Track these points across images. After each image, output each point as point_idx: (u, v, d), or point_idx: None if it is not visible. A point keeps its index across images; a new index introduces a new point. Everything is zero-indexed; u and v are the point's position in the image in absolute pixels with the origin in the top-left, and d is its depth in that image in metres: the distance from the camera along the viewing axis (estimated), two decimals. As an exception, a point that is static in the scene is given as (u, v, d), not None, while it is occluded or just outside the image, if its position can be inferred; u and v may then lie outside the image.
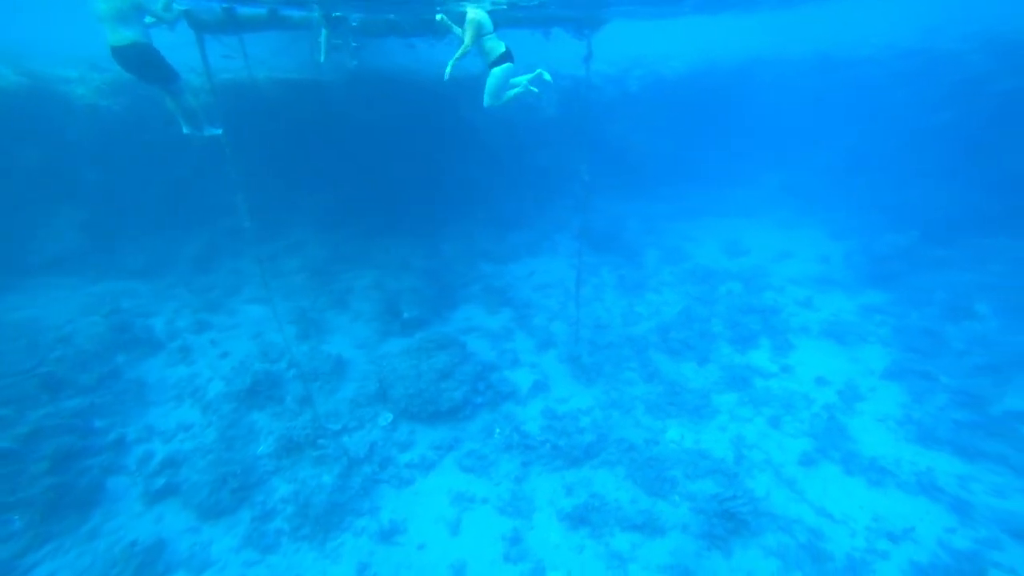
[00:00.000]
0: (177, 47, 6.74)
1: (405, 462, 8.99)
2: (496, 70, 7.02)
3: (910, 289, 13.22)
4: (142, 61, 5.83)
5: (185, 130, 6.96)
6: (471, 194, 15.76)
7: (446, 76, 7.16)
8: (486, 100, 7.26)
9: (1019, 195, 12.99)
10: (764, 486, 8.38)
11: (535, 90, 7.67)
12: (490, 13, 7.26)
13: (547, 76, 7.65)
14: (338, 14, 8.99)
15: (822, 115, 16.79)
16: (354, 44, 10.00)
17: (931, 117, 13.54)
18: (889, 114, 14.69)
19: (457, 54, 7.13)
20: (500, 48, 6.99)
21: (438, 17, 7.17)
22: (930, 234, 14.02)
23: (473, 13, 6.86)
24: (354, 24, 9.46)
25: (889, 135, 14.91)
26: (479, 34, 6.88)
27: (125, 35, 5.60)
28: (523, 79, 7.60)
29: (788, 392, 10.62)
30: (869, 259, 14.25)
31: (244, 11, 7.76)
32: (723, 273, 14.61)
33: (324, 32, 8.97)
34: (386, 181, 14.08)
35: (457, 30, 7.05)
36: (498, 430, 9.69)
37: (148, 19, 5.81)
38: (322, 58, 9.32)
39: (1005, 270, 12.83)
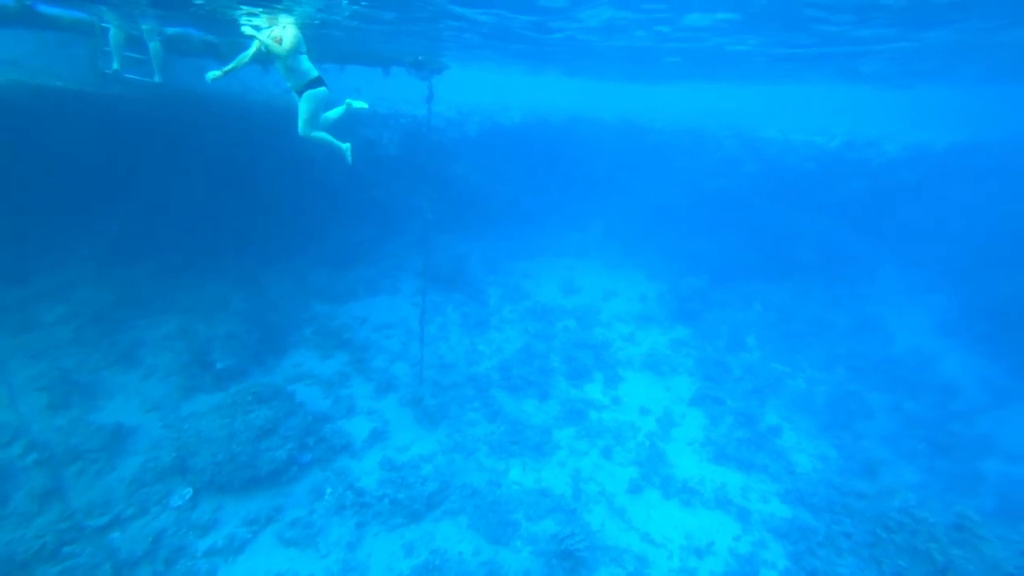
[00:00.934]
0: None
1: (205, 549, 7.25)
2: (311, 92, 6.49)
3: (706, 325, 15.85)
4: None
5: None
6: (305, 229, 14.40)
7: (210, 78, 6.31)
8: (302, 127, 6.62)
9: (767, 250, 16.92)
10: (599, 518, 8.77)
11: (362, 106, 7.39)
12: (332, 47, 6.88)
13: (358, 104, 7.42)
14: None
15: (633, 172, 19.93)
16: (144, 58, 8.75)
17: (708, 183, 17.08)
18: (681, 177, 18.16)
19: (242, 59, 6.47)
20: (314, 72, 6.54)
21: (245, 29, 6.31)
22: (716, 279, 17.20)
23: (293, 27, 6.26)
24: (160, 38, 8.37)
25: (683, 194, 18.31)
26: (297, 50, 6.27)
27: None
28: (335, 112, 7.23)
29: (618, 423, 11.56)
30: (676, 298, 16.77)
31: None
32: (560, 310, 15.68)
33: (113, 37, 7.71)
34: (201, 210, 11.96)
35: (268, 42, 6.21)
36: (329, 490, 8.55)
37: None
38: (114, 67, 8.31)
39: (762, 309, 16.33)
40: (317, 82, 6.54)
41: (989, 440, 11.98)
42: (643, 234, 19.98)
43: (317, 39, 9.46)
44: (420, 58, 8.10)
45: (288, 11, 8.55)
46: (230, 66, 6.46)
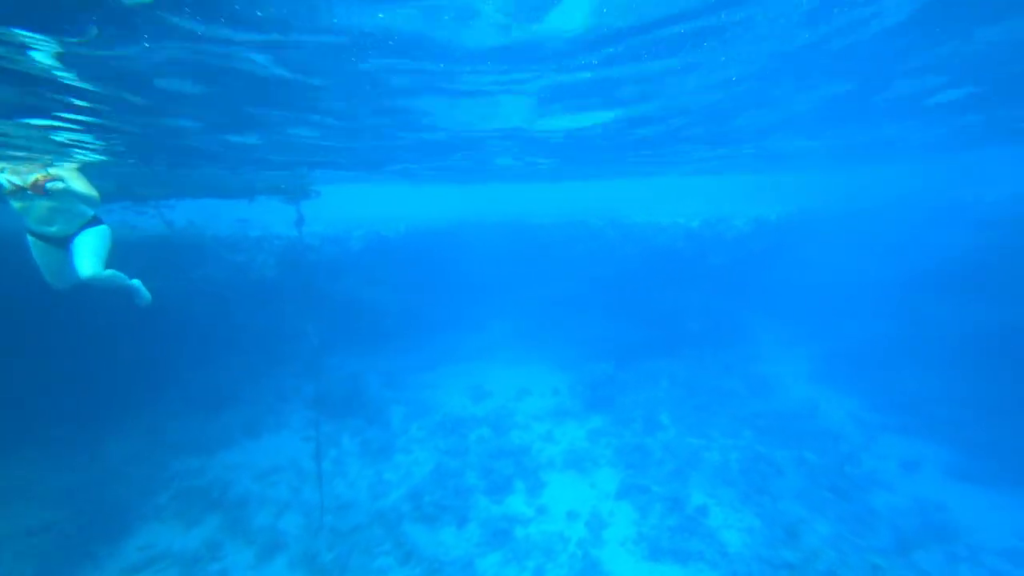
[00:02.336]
0: None
1: None
2: (98, 229, 6.22)
3: (620, 409, 16.27)
4: None
5: None
6: (161, 372, 12.85)
7: None
8: (87, 269, 5.93)
9: (660, 327, 18.52)
10: (536, 664, 7.84)
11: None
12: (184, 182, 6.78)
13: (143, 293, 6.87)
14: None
15: (526, 268, 21.28)
16: None
17: (595, 270, 18.74)
18: (570, 267, 19.77)
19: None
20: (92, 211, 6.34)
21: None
22: (621, 361, 18.11)
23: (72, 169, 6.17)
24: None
25: (575, 283, 19.80)
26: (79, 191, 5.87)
27: None
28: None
29: (547, 536, 10.94)
30: (587, 387, 17.20)
31: None
32: (471, 420, 15.21)
33: None
34: None
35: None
36: None
37: None
38: None
39: (669, 385, 17.32)
40: (96, 220, 6.31)
41: (873, 475, 13.21)
42: (545, 326, 20.83)
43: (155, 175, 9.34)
44: (283, 187, 8.29)
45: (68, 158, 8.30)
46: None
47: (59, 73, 5.55)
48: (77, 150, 8.50)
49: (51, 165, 7.37)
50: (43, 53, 4.98)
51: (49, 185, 5.49)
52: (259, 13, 4.56)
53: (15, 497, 9.22)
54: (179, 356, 12.91)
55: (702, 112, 10.35)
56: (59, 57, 5.12)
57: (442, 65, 6.37)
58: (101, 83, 6.01)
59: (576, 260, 19.55)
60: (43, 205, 5.82)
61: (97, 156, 9.20)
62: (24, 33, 4.46)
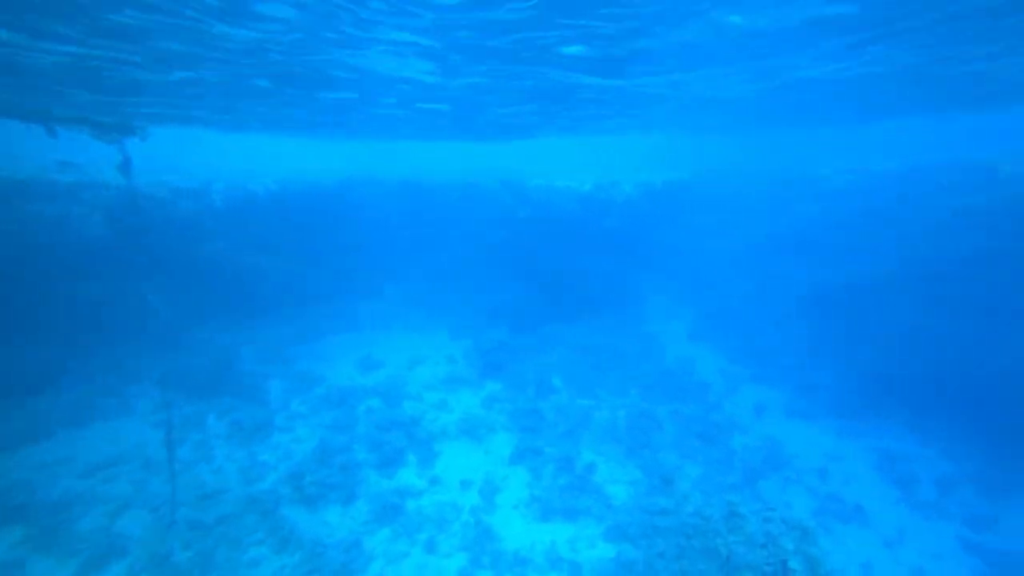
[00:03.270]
0: None
1: None
2: None
3: (514, 375, 16.51)
4: None
5: None
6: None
7: None
8: None
9: (557, 291, 19.00)
10: (426, 638, 7.75)
11: None
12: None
13: None
14: None
15: (421, 231, 20.37)
16: None
17: (492, 234, 18.53)
18: (466, 231, 19.28)
19: None
20: None
21: None
22: (517, 327, 18.32)
23: None
24: None
25: (471, 247, 19.42)
26: None
27: None
28: None
29: (439, 506, 10.83)
30: (482, 354, 17.17)
31: None
32: (361, 391, 14.43)
33: None
34: None
35: None
36: None
37: None
38: None
39: (563, 350, 17.93)
40: None
41: (732, 420, 15.06)
42: (440, 293, 20.32)
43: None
44: (95, 119, 6.62)
45: None
46: None
47: None
48: None
49: None
50: None
51: None
52: None
53: None
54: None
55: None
56: None
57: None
58: None
59: (473, 223, 19.08)
60: None
61: None
62: None
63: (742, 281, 21.61)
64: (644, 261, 22.23)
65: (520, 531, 10.36)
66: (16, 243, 10.74)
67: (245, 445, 11.71)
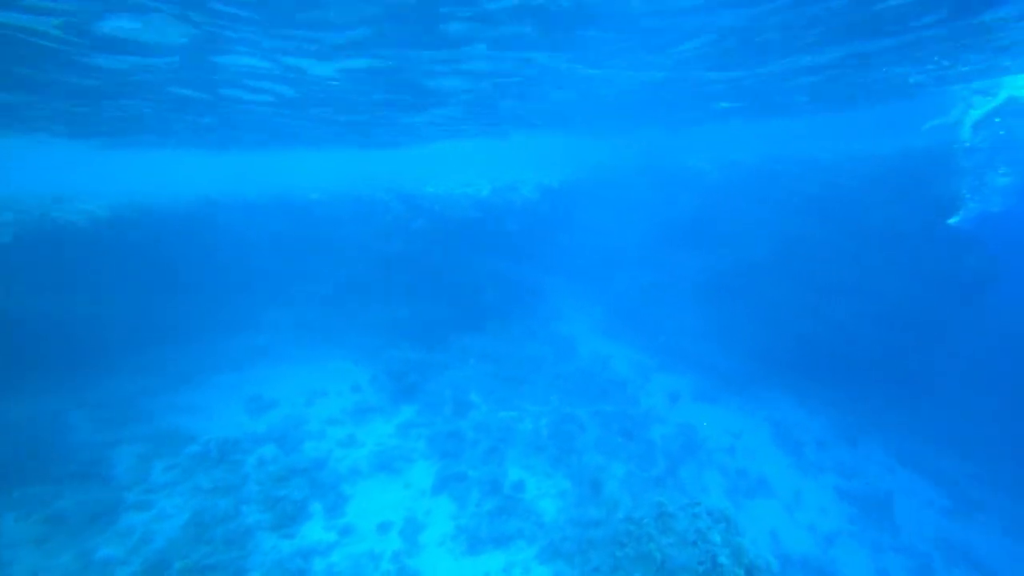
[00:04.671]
0: None
1: None
2: None
3: (429, 396, 15.53)
4: None
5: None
6: None
7: None
8: None
9: (462, 301, 18.34)
10: None
11: None
12: None
13: None
14: None
15: (305, 251, 18.49)
16: None
17: (386, 247, 17.35)
18: (358, 244, 17.84)
19: None
20: None
21: None
22: (425, 343, 17.33)
23: None
24: None
25: (365, 263, 18.02)
26: None
27: None
28: None
29: (354, 560, 9.66)
30: (391, 377, 15.96)
31: None
32: (249, 439, 12.56)
33: None
34: None
35: None
36: None
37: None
38: None
39: (476, 361, 17.31)
40: None
41: (650, 411, 15.56)
42: (336, 316, 18.66)
43: None
44: None
45: None
46: None
47: None
48: None
49: None
50: None
51: None
52: None
53: None
54: None
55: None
56: None
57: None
58: None
59: (363, 238, 17.66)
60: None
61: None
62: None
63: (642, 274, 22.61)
64: (549, 263, 22.38)
65: (449, 570, 9.55)
66: None
67: (73, 544, 9.28)
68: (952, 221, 14.36)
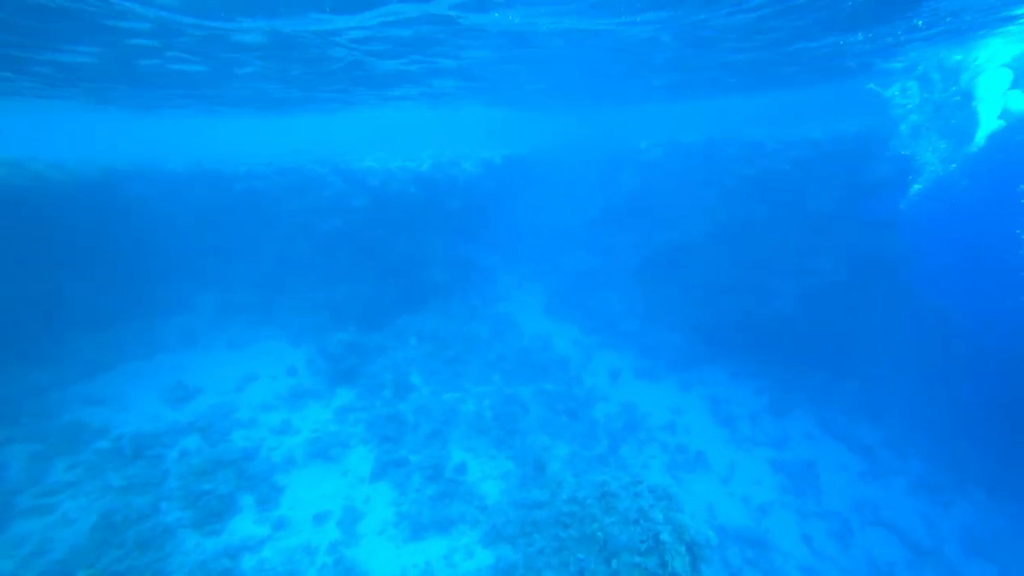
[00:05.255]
0: None
1: None
2: None
3: (368, 378, 14.91)
4: None
5: None
6: None
7: None
8: None
9: (403, 280, 17.65)
10: None
11: None
12: None
13: None
14: None
15: (233, 228, 16.99)
16: None
17: (323, 224, 16.26)
18: (293, 222, 16.59)
19: None
20: None
21: None
22: (365, 323, 16.56)
23: None
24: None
25: (301, 240, 16.83)
26: None
27: None
28: None
29: (288, 554, 9.13)
30: (329, 359, 15.14)
31: None
32: (170, 431, 11.52)
33: None
34: None
35: None
36: None
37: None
38: None
39: (418, 341, 16.78)
40: None
41: (592, 390, 15.81)
42: (269, 296, 17.42)
43: None
44: None
45: None
46: None
47: None
48: None
49: None
50: None
51: None
52: None
53: None
54: None
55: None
56: None
57: None
58: None
59: (300, 214, 16.39)
60: None
61: None
62: None
63: (585, 252, 22.70)
64: (492, 241, 21.97)
65: (390, 559, 9.24)
66: None
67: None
68: (901, 206, 15.11)
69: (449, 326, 18.05)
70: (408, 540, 9.63)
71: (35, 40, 9.16)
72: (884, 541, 11.54)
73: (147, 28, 8.55)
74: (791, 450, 13.56)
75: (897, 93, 15.43)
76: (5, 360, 11.96)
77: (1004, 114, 12.63)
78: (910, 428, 14.50)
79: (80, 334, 13.86)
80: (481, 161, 19.58)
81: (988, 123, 11.31)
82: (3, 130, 25.11)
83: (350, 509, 10.31)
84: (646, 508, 8.22)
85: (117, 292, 15.07)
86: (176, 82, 13.48)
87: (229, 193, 16.70)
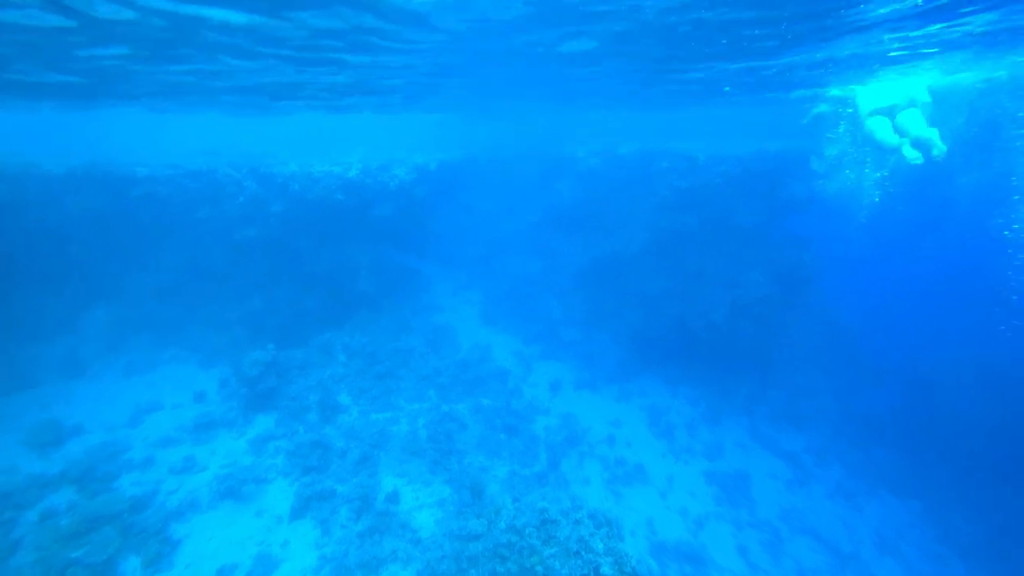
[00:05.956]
0: None
1: None
2: None
3: (290, 401, 13.52)
4: None
5: None
6: None
7: None
8: None
9: (327, 291, 16.30)
10: None
11: None
12: None
13: None
14: None
15: (128, 236, 14.85)
16: None
17: (239, 232, 14.60)
18: (204, 230, 14.79)
19: None
20: None
21: None
22: (285, 340, 15.10)
23: None
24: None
25: (218, 250, 15.05)
26: None
27: None
28: None
29: (184, 622, 7.77)
30: (244, 382, 13.56)
31: None
32: (31, 486, 9.63)
33: None
34: None
35: None
36: None
37: None
38: None
39: (346, 357, 15.52)
40: None
41: (533, 403, 15.30)
42: (175, 311, 15.44)
43: None
44: None
45: None
46: None
47: None
48: None
49: None
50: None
51: None
52: None
53: None
54: None
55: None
56: None
57: None
58: None
59: (211, 221, 14.58)
60: None
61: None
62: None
63: (525, 257, 22.23)
64: (427, 249, 20.99)
65: (309, 614, 8.15)
66: None
67: None
68: (817, 224, 15.77)
69: (380, 339, 16.90)
70: (329, 589, 8.58)
71: None
72: (810, 549, 11.90)
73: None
74: (725, 460, 13.75)
75: (813, 118, 16.26)
76: None
77: (903, 141, 13.57)
78: (829, 434, 15.24)
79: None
80: (415, 166, 18.55)
81: (891, 149, 12.03)
82: None
83: (264, 558, 9.09)
84: (587, 537, 7.75)
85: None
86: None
87: (125, 198, 14.57)
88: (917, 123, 11.24)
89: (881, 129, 11.61)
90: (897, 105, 11.77)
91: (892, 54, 11.45)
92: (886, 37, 9.94)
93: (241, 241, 14.65)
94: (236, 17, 7.43)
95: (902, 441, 15.25)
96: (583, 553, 7.57)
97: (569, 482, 12.34)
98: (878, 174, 14.49)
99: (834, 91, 15.99)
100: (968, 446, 15.25)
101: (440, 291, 21.05)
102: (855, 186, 15.31)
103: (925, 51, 11.31)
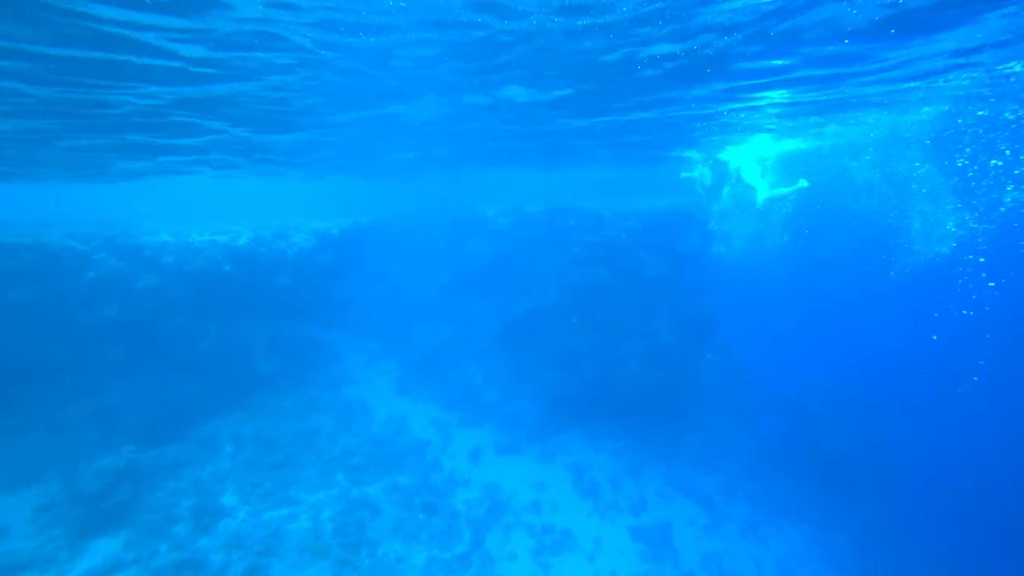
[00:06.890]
0: None
1: None
2: None
3: (150, 514, 11.01)
4: None
5: None
6: None
7: None
8: None
9: (210, 375, 14.15)
10: None
11: None
12: None
13: None
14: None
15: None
16: None
17: (87, 314, 12.18)
18: (44, 313, 12.22)
19: None
20: None
21: None
22: (152, 436, 12.65)
23: None
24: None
25: (67, 335, 12.37)
26: None
27: None
28: None
29: None
30: (84, 501, 10.79)
31: None
32: None
33: None
34: None
35: None
36: None
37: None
38: None
39: (234, 448, 13.28)
40: None
41: (452, 475, 13.93)
42: (6, 412, 12.28)
43: None
44: None
45: None
46: None
47: None
48: None
49: None
50: None
51: None
52: None
53: None
54: None
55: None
56: None
57: None
58: None
59: (48, 305, 12.02)
60: None
61: None
62: None
63: (439, 322, 21.32)
64: (333, 319, 19.44)
65: None
66: None
67: None
68: (708, 274, 16.74)
69: (278, 423, 14.80)
70: None
71: None
72: (729, 592, 11.54)
73: None
74: (648, 512, 13.29)
75: (696, 176, 17.89)
76: None
77: (771, 197, 15.21)
78: (737, 471, 15.47)
79: None
80: (314, 232, 17.40)
81: (762, 203, 13.38)
82: None
83: None
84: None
85: None
86: None
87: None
88: (771, 174, 12.68)
89: (750, 175, 12.87)
90: (758, 160, 13.24)
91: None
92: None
93: (93, 323, 12.31)
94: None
95: (793, 469, 15.87)
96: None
97: (495, 560, 10.99)
98: (757, 226, 16.00)
99: (695, 154, 17.81)
100: (844, 469, 16.25)
101: (352, 363, 19.31)
102: (740, 236, 16.76)
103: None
